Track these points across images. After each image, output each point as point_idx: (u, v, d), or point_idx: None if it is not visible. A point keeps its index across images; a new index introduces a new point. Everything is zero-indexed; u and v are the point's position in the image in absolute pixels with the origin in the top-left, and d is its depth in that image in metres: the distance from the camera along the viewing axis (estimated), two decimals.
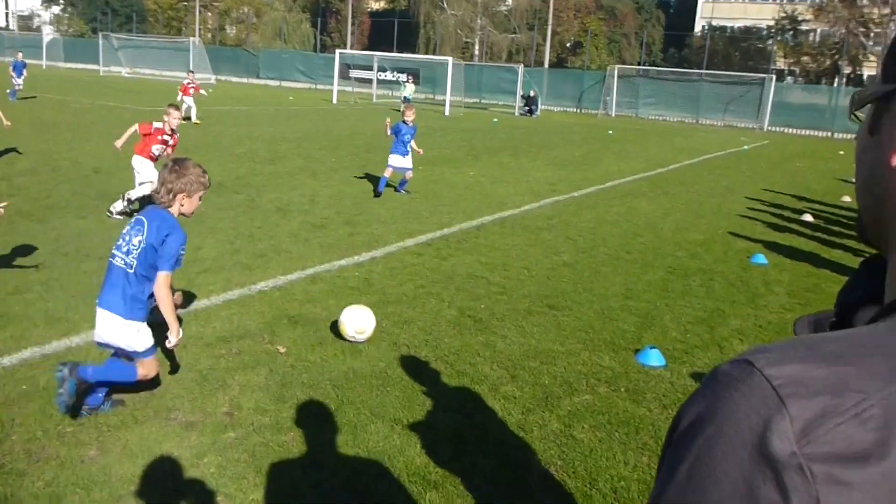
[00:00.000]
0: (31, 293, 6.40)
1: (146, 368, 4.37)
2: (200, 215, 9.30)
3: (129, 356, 4.39)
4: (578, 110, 43.09)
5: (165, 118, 9.49)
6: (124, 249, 4.25)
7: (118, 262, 4.24)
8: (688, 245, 9.86)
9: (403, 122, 12.30)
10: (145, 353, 4.35)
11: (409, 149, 12.27)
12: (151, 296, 4.32)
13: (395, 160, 12.20)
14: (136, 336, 4.30)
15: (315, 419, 4.52)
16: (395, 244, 8.91)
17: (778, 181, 17.33)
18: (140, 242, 4.18)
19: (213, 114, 25.00)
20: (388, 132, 12.28)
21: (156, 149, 9.57)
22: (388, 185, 12.11)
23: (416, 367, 5.36)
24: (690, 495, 0.65)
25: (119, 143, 9.73)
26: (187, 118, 21.90)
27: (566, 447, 4.36)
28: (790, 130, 36.81)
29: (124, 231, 4.34)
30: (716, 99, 39.28)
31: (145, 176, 9.41)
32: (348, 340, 5.63)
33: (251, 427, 4.37)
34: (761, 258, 9.17)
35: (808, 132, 36.25)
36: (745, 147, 26.49)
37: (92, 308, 5.99)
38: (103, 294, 4.30)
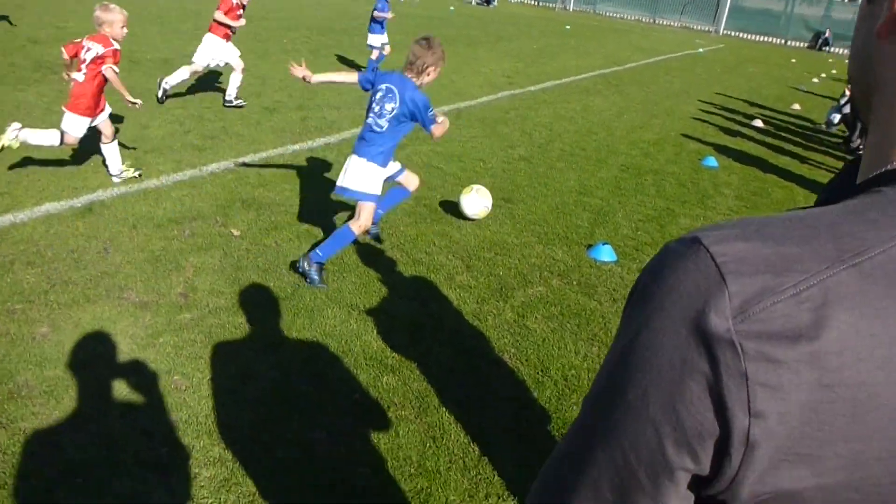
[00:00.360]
0: None
1: (367, 212, 4.84)
2: (147, 92, 8.97)
3: (362, 199, 4.82)
4: (536, 3, 42.12)
5: None
6: (377, 111, 4.71)
7: (371, 121, 4.74)
8: (641, 144, 9.90)
9: None
10: (373, 198, 4.83)
11: (384, 26, 12.32)
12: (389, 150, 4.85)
13: (374, 39, 12.30)
14: (376, 181, 4.84)
15: (271, 303, 4.51)
16: (348, 131, 8.73)
17: (731, 86, 17.37)
18: (392, 109, 4.64)
19: None
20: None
21: (236, 24, 9.25)
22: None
23: (372, 255, 5.35)
24: (631, 363, 0.67)
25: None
26: None
27: (519, 336, 4.46)
28: (745, 35, 36.67)
29: (377, 97, 4.70)
30: None
31: (222, 57, 9.13)
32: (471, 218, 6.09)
33: (206, 309, 4.34)
34: (712, 161, 9.28)
35: (762, 38, 36.15)
36: (701, 50, 26.36)
37: (36, 183, 5.82)
38: (358, 147, 4.83)
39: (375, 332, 4.29)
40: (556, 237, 6.14)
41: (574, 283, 5.31)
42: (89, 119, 5.99)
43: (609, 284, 5.35)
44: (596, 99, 13.06)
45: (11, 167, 6.20)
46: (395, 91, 4.64)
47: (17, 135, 5.79)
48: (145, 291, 4.47)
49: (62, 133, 5.94)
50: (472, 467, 3.25)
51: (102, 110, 6.13)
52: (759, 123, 12.50)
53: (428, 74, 4.76)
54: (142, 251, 4.99)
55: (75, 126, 5.94)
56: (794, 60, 25.81)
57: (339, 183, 4.90)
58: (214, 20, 9.12)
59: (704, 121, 12.17)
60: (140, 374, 3.66)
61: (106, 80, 6.00)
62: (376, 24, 12.37)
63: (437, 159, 7.92)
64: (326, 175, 6.98)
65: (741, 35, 36.60)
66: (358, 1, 26.62)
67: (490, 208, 6.18)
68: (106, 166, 6.28)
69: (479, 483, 3.16)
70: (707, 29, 36.92)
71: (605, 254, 5.81)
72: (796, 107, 14.95)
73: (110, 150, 6.18)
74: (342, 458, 3.22)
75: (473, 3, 36.66)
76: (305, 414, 3.50)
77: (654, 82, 16.24)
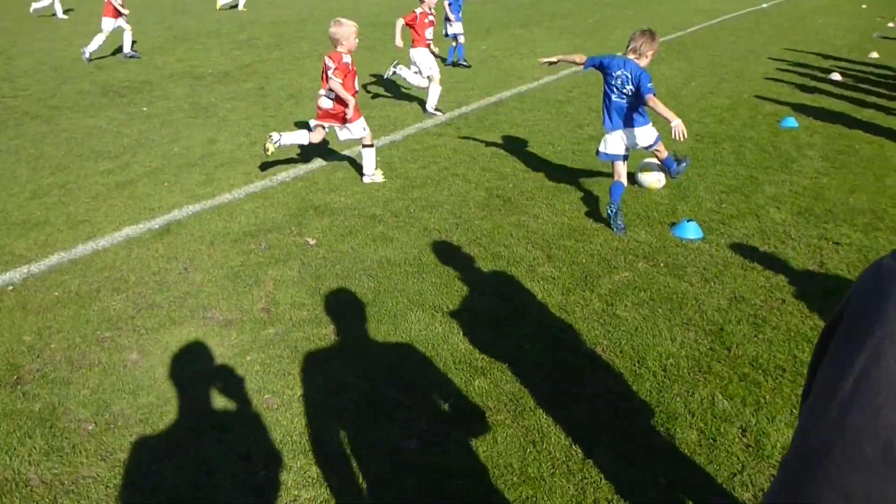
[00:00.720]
0: (49, 197, 6.27)
1: (662, 149, 6.09)
2: (211, 106, 9.07)
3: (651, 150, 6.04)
4: None
5: (421, 2, 9.52)
6: (620, 90, 5.70)
7: (616, 97, 5.73)
8: (714, 111, 9.52)
9: None
10: (657, 142, 5.93)
11: (461, 15, 12.55)
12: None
13: (456, 27, 12.52)
14: (652, 133, 5.88)
15: (354, 310, 4.45)
16: (413, 126, 8.64)
17: (801, 40, 16.64)
18: (630, 90, 5.62)
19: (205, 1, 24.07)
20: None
21: (428, 32, 9.53)
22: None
23: (449, 252, 5.24)
24: (868, 394, 0.65)
25: (398, 41, 9.78)
26: (234, 6, 21.24)
27: (610, 326, 4.29)
28: None
29: (617, 82, 5.67)
30: None
31: (426, 68, 9.34)
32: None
33: (290, 322, 4.31)
34: (791, 121, 8.85)
35: None
36: (764, 5, 25.36)
37: (114, 208, 5.91)
38: (611, 122, 5.85)
39: (461, 333, 4.18)
40: (637, 217, 5.92)
41: (661, 264, 5.10)
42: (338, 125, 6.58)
43: (699, 264, 5.11)
44: (661, 67, 12.63)
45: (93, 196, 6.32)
46: (630, 75, 5.59)
47: (279, 143, 6.47)
48: (228, 309, 4.46)
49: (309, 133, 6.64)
50: (576, 471, 3.12)
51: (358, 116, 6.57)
52: (836, 77, 11.90)
53: (647, 57, 5.70)
54: (221, 268, 5.00)
55: (351, 131, 6.55)
56: (864, 6, 24.58)
57: (617, 150, 5.86)
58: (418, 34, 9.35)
59: (778, 80, 11.65)
60: (231, 395, 3.64)
61: (356, 90, 6.54)
62: (455, 13, 12.51)
63: (506, 147, 7.76)
64: (395, 173, 6.90)
65: None
66: None
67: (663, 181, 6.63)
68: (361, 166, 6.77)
69: (585, 488, 3.02)
70: None
71: (691, 231, 5.56)
72: (874, 55, 14.20)
73: (368, 154, 6.64)
74: (440, 468, 3.13)
75: None
76: (398, 423, 3.42)
77: (719, 44, 15.67)
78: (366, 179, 6.71)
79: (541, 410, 3.52)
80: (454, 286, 4.74)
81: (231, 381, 3.75)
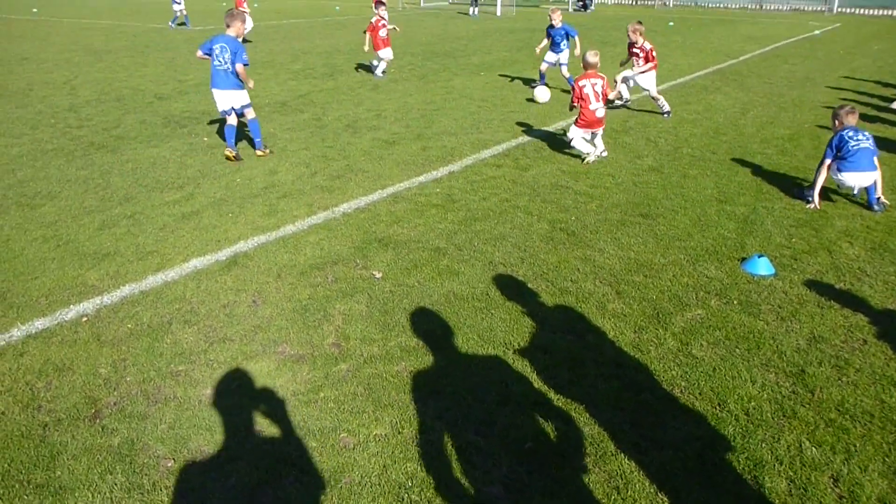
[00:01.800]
0: (118, 228, 6.38)
1: None
2: (270, 136, 9.18)
3: None
4: (634, 2, 41.24)
5: (377, 12, 14.44)
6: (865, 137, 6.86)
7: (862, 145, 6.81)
8: (775, 141, 9.37)
9: (551, 25, 13.02)
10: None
11: (562, 47, 13.01)
12: None
13: (550, 56, 13.07)
14: None
15: (424, 347, 4.41)
16: (470, 156, 8.65)
17: (858, 67, 16.36)
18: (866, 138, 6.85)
19: (262, 30, 24.56)
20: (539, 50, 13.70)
21: (383, 32, 14.43)
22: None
23: (516, 287, 5.19)
24: None
25: (366, 47, 14.77)
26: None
27: (687, 367, 4.19)
28: (862, 11, 34.68)
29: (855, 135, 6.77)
30: None
31: (385, 56, 14.74)
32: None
33: (361, 358, 4.29)
34: None
35: (881, 12, 34.09)
36: (817, 32, 25.07)
37: (181, 239, 5.98)
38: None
39: (535, 371, 4.12)
40: (705, 252, 5.81)
41: (734, 301, 4.98)
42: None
43: (773, 301, 4.99)
44: (717, 97, 12.52)
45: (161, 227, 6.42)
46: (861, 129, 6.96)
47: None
48: (299, 344, 4.46)
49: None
50: None
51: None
52: None
53: None
54: (289, 301, 5.01)
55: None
56: None
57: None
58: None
59: None
60: (307, 434, 3.61)
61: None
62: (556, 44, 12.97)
63: (565, 178, 7.71)
64: (456, 205, 6.89)
65: (857, 11, 34.67)
66: (454, 21, 26.81)
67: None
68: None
69: None
70: (819, 9, 35.17)
71: (763, 267, 5.44)
72: None
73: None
74: None
75: (570, 9, 36.22)
76: (479, 467, 3.36)
77: (774, 72, 15.47)
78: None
79: (622, 455, 3.43)
80: (524, 322, 4.69)
81: (306, 419, 3.73)
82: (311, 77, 14.80)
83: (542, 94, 12.06)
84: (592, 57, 8.57)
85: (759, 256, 5.51)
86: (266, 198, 7.14)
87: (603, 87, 8.34)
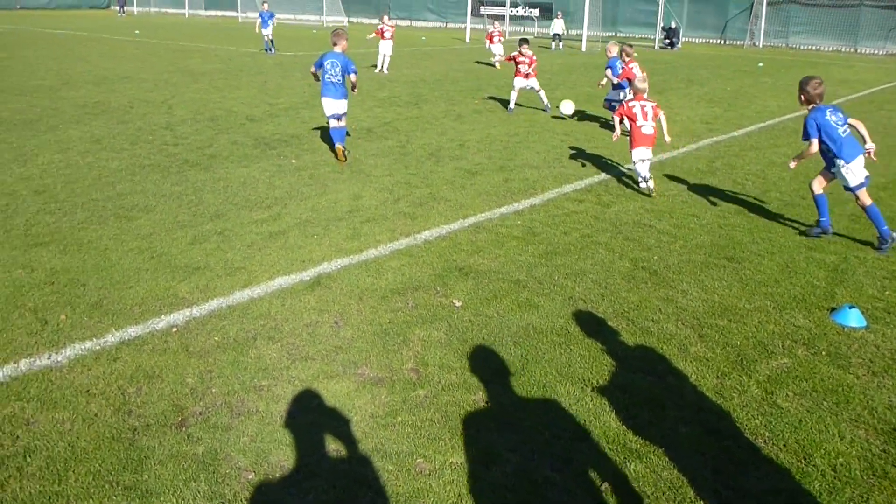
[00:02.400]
0: (209, 243, 6.60)
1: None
2: (355, 162, 9.37)
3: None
4: (722, 41, 40.68)
5: (520, 49, 14.05)
6: (840, 126, 6.79)
7: (849, 130, 6.84)
8: (869, 190, 9.05)
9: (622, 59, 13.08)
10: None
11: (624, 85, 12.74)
12: None
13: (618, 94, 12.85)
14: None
15: (502, 378, 4.41)
16: (553, 190, 8.65)
17: None
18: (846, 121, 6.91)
19: (353, 56, 25.16)
20: (603, 84, 13.86)
21: (523, 68, 14.23)
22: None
23: (596, 324, 5.15)
24: None
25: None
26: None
27: (771, 416, 4.07)
28: None
29: (840, 119, 6.82)
30: (877, 25, 35.97)
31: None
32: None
33: (439, 385, 4.32)
34: None
35: None
36: None
37: (267, 257, 6.15)
38: (858, 147, 6.85)
39: (614, 410, 4.07)
40: (792, 300, 5.65)
41: (822, 353, 4.83)
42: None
43: (864, 355, 4.82)
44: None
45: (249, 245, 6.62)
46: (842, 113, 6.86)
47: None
48: (379, 367, 4.52)
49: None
50: None
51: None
52: None
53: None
54: (370, 324, 5.09)
55: None
56: None
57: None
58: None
59: None
60: (384, 457, 3.65)
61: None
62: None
63: (648, 216, 7.63)
64: (536, 238, 6.89)
65: None
66: (538, 55, 26.90)
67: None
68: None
69: None
70: None
71: (854, 318, 5.26)
72: None
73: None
74: None
75: (657, 47, 35.99)
76: (557, 502, 3.33)
77: (868, 118, 14.95)
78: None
79: (702, 502, 3.36)
80: (603, 360, 4.64)
81: (383, 442, 3.77)
82: (397, 105, 15.08)
83: (566, 107, 13.10)
84: (641, 83, 8.98)
85: (849, 307, 5.34)
86: (350, 221, 7.29)
87: (654, 108, 8.63)
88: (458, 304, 5.43)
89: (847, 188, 6.99)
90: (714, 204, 8.19)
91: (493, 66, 23.48)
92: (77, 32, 35.21)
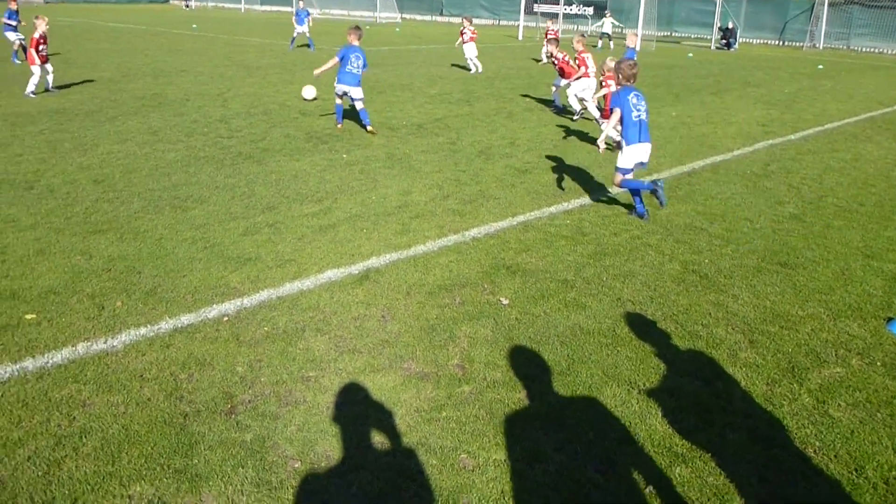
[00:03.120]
0: (260, 235, 6.71)
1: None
2: (405, 158, 9.42)
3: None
4: (781, 43, 39.86)
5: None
6: (645, 109, 7.51)
7: (644, 117, 7.45)
8: None
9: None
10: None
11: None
12: None
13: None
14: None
15: (548, 377, 4.41)
16: (603, 191, 8.58)
17: None
18: (645, 110, 7.53)
19: (401, 53, 25.32)
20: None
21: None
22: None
23: (644, 327, 5.11)
24: None
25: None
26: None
27: (822, 426, 3.99)
28: None
29: (640, 103, 7.48)
30: None
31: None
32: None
33: (485, 382, 4.33)
34: None
35: None
36: None
37: (317, 250, 6.22)
38: (644, 135, 7.47)
39: (660, 414, 4.04)
40: (848, 308, 5.53)
41: (878, 363, 4.71)
42: None
43: None
44: (868, 146, 11.91)
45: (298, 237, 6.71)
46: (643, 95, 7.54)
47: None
48: (425, 362, 4.55)
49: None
50: None
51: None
52: None
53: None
54: (417, 319, 5.13)
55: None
56: None
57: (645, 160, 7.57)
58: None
59: None
60: (428, 451, 3.68)
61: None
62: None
63: (700, 219, 7.53)
64: (586, 238, 6.85)
65: None
66: (592, 54, 26.69)
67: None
68: None
69: None
70: None
71: None
72: None
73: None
74: None
75: (713, 47, 35.42)
76: None
77: None
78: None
79: None
80: (650, 363, 4.60)
81: (428, 437, 3.79)
82: (448, 102, 15.11)
83: (308, 92, 14.61)
84: (610, 62, 10.01)
85: None
86: (399, 217, 7.34)
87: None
88: (504, 301, 5.43)
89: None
90: (768, 208, 8.04)
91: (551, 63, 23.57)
92: (136, 26, 36.02)
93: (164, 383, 4.23)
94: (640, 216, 7.53)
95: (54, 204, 7.46)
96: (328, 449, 3.68)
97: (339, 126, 11.85)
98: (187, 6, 56.05)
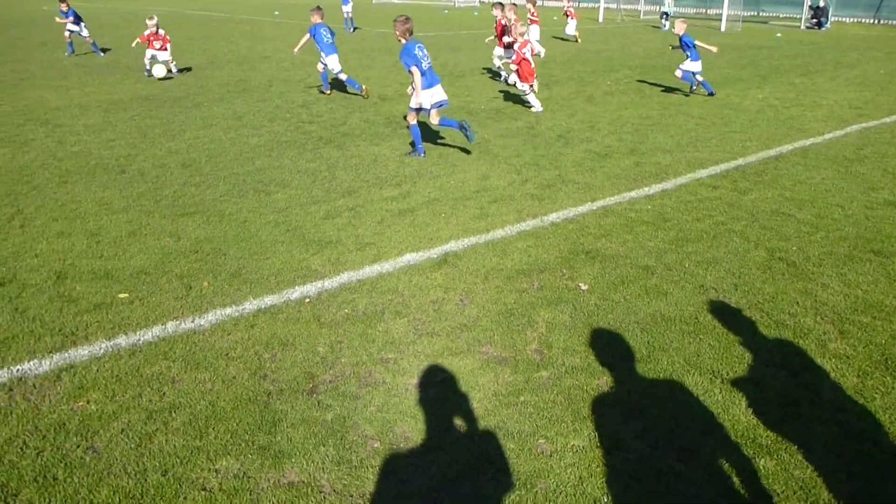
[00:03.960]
0: (340, 218, 6.81)
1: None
2: (483, 142, 9.40)
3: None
4: (876, 21, 37.99)
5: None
6: (428, 60, 8.87)
7: (430, 64, 8.89)
8: None
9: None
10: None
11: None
12: None
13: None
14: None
15: (627, 364, 4.35)
16: (685, 175, 8.39)
17: None
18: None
19: (480, 37, 25.19)
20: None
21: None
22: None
23: (728, 315, 4.98)
24: None
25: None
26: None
27: None
28: None
29: (424, 54, 8.75)
30: None
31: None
32: None
33: (563, 368, 4.30)
34: None
35: None
36: None
37: (396, 234, 6.28)
38: (434, 79, 8.82)
39: (744, 404, 3.94)
40: None
41: None
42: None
43: None
44: None
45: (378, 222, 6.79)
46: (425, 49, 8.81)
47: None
48: (503, 346, 4.55)
49: None
50: None
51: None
52: None
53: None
54: (495, 304, 5.13)
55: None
56: None
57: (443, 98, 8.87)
58: None
59: None
60: (505, 434, 3.69)
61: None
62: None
63: (788, 205, 7.28)
64: (668, 224, 6.71)
65: None
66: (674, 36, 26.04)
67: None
68: None
69: None
70: None
71: None
72: None
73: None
74: None
75: (803, 27, 34.06)
76: (678, 493, 3.27)
77: None
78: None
79: None
80: (734, 352, 4.49)
81: (505, 421, 3.80)
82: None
83: (158, 70, 15.14)
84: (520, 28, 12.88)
85: None
86: (478, 201, 7.34)
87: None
88: (584, 287, 5.38)
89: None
90: (861, 194, 7.72)
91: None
92: (222, 14, 36.88)
93: (248, 362, 4.36)
94: (419, 154, 9.03)
95: (145, 187, 7.75)
96: (407, 430, 3.73)
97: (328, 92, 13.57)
98: None
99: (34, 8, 38.91)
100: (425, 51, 8.72)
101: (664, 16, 32.09)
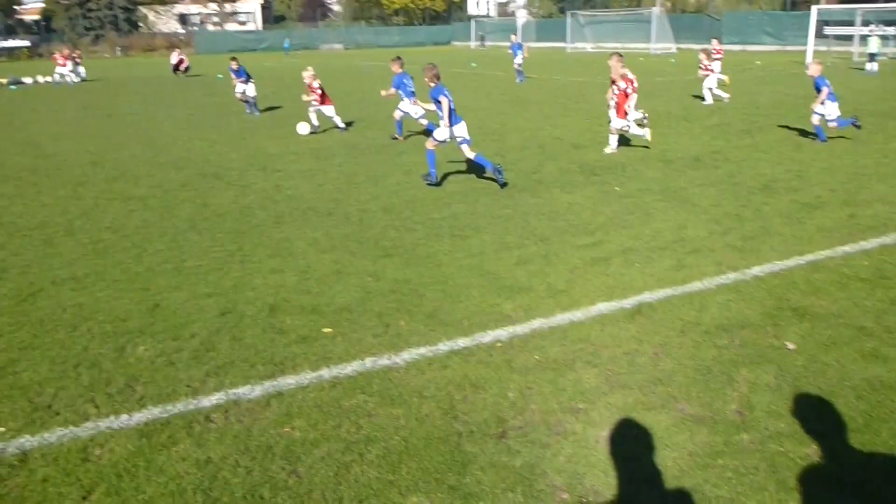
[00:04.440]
0: (533, 265, 6.85)
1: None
2: (680, 190, 9.14)
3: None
4: None
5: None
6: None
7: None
8: None
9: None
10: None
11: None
12: None
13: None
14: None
15: (841, 433, 4.00)
16: None
17: None
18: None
19: (680, 84, 24.68)
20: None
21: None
22: None
23: None
24: None
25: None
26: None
27: None
28: None
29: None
30: None
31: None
32: None
33: (766, 432, 4.03)
34: None
35: None
36: None
37: (589, 283, 6.20)
38: (458, 118, 10.12)
39: None
40: None
41: None
42: None
43: None
44: None
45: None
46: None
47: None
48: (700, 404, 4.34)
49: None
50: None
51: None
52: None
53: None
54: (692, 359, 4.92)
55: None
56: None
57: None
58: None
59: None
60: (703, 499, 3.50)
61: None
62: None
63: None
64: (887, 282, 6.16)
65: None
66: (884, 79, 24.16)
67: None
68: None
69: None
70: None
71: None
72: None
73: None
74: None
75: None
76: None
77: None
78: None
79: None
80: None
81: (702, 483, 3.61)
82: (727, 133, 14.44)
83: (302, 128, 15.89)
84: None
85: None
86: (674, 251, 7.12)
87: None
88: (791, 346, 5.04)
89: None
90: None
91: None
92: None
93: (440, 401, 4.45)
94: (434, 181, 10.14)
95: (350, 229, 8.22)
96: (597, 484, 3.64)
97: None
98: (482, 45, 62.03)
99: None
100: (451, 96, 9.99)
101: (872, 57, 29.33)
